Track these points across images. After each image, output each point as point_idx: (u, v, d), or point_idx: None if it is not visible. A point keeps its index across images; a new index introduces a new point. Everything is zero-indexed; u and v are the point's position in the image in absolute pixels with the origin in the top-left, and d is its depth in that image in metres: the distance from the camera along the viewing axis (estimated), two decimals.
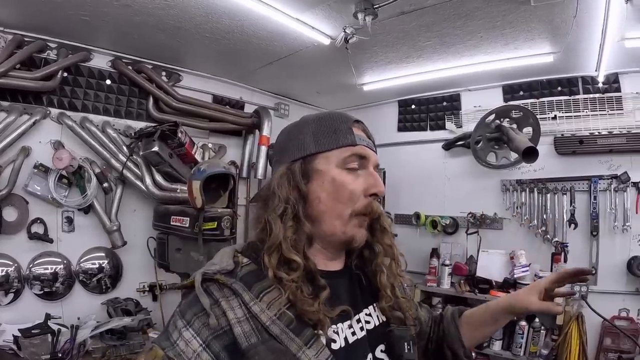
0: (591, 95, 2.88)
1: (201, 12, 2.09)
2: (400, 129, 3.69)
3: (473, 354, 2.58)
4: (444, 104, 3.48)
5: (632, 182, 2.70)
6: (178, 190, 2.57)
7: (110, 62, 2.57)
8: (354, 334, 0.78)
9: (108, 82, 2.57)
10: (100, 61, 2.55)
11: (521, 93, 3.16)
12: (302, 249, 0.75)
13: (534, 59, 2.62)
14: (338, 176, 0.77)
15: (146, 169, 2.56)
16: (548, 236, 2.96)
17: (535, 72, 2.95)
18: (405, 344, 0.82)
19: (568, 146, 2.93)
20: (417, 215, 3.44)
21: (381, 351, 0.82)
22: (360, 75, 3.01)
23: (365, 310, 0.84)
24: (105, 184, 2.45)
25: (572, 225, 2.87)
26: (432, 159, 3.52)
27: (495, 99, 3.23)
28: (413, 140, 3.63)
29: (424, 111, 3.58)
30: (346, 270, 0.86)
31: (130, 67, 2.61)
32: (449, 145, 3.43)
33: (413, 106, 3.62)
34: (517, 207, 3.11)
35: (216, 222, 2.23)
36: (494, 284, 2.90)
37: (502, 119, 3.05)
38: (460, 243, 3.28)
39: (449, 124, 3.44)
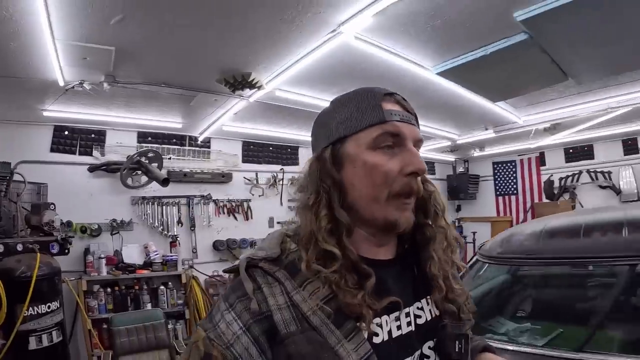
0: (193, 148, 5.23)
1: None
2: (53, 150, 4.49)
3: None
4: (92, 135, 4.72)
5: (212, 199, 5.27)
6: None
7: None
8: (399, 328, 0.77)
9: None
10: None
11: (149, 139, 5.01)
12: (341, 238, 0.75)
13: (171, 123, 4.63)
14: (370, 158, 0.76)
15: None
16: (165, 232, 4.95)
17: (163, 128, 4.89)
18: (457, 342, 0.81)
19: (177, 177, 5.04)
20: (69, 223, 4.44)
21: (429, 348, 0.81)
22: (54, 103, 3.81)
23: (417, 304, 0.83)
24: None
25: (180, 224, 5.04)
26: (79, 178, 4.58)
27: (132, 140, 4.89)
28: (64, 161, 4.53)
29: (75, 138, 4.62)
30: (397, 259, 0.85)
31: None
32: (93, 169, 4.69)
33: (66, 132, 4.57)
34: (143, 215, 4.88)
35: None
36: (137, 265, 4.51)
37: (141, 156, 4.74)
38: (104, 242, 4.60)
39: (95, 152, 4.71)
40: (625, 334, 1.99)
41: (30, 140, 4.36)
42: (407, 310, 0.80)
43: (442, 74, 3.25)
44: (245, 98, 3.67)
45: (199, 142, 5.29)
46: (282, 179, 5.98)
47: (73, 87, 3.38)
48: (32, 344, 3.21)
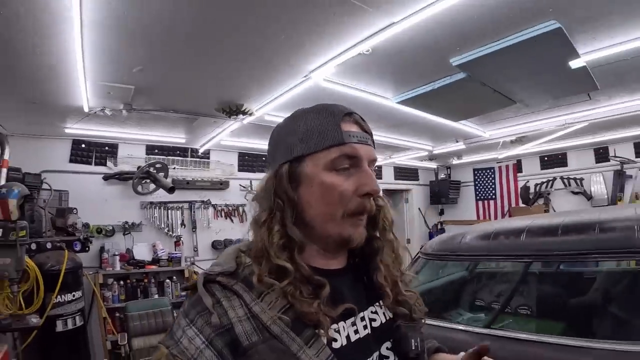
0: (195, 159, 5.97)
1: None
2: (71, 161, 5.22)
3: None
4: (106, 148, 5.46)
5: (212, 204, 5.99)
6: None
7: None
8: (356, 332, 0.81)
9: None
10: None
11: (156, 151, 5.75)
12: (293, 254, 0.78)
13: (176, 139, 5.38)
14: (327, 179, 0.79)
15: None
16: (170, 233, 5.69)
17: (168, 142, 5.64)
18: (412, 340, 0.86)
19: (180, 184, 5.76)
20: (87, 225, 5.18)
21: (387, 348, 0.86)
22: (76, 122, 4.55)
23: (371, 308, 0.88)
24: None
25: (183, 226, 5.78)
26: (95, 185, 5.32)
27: (141, 152, 5.64)
28: (81, 171, 5.26)
29: (91, 150, 5.35)
30: (348, 268, 0.90)
31: None
32: (107, 178, 5.43)
33: (83, 145, 5.31)
34: (151, 218, 5.63)
35: (25, 231, 3.36)
36: (146, 261, 5.27)
37: (150, 167, 5.48)
38: (117, 241, 5.34)
39: (109, 163, 5.45)
40: (520, 314, 2.71)
41: (51, 152, 5.00)
42: (361, 314, 0.84)
43: (401, 103, 3.97)
44: (240, 121, 4.39)
45: (199, 154, 6.02)
46: None
47: (95, 112, 4.12)
48: (59, 327, 3.90)
